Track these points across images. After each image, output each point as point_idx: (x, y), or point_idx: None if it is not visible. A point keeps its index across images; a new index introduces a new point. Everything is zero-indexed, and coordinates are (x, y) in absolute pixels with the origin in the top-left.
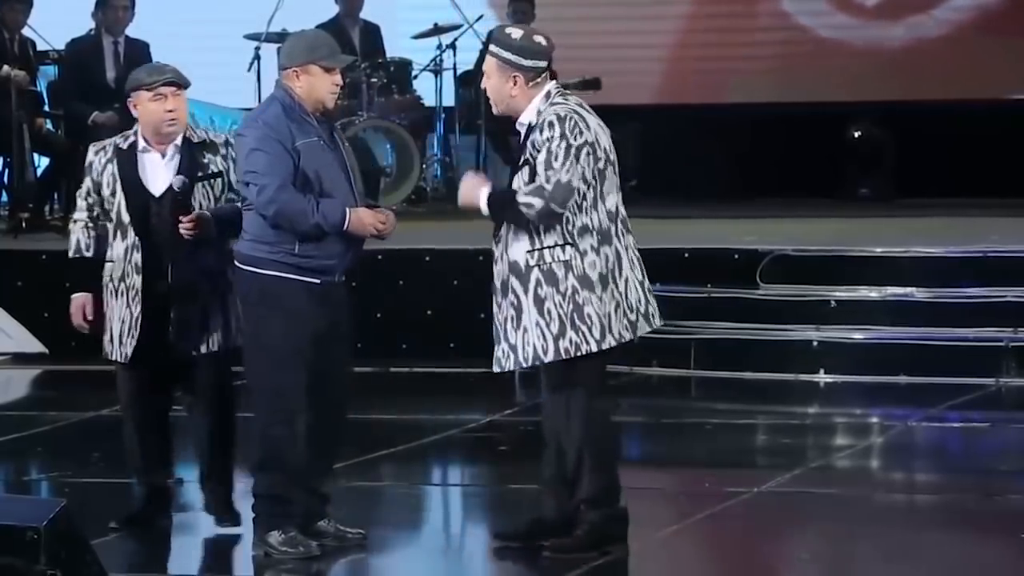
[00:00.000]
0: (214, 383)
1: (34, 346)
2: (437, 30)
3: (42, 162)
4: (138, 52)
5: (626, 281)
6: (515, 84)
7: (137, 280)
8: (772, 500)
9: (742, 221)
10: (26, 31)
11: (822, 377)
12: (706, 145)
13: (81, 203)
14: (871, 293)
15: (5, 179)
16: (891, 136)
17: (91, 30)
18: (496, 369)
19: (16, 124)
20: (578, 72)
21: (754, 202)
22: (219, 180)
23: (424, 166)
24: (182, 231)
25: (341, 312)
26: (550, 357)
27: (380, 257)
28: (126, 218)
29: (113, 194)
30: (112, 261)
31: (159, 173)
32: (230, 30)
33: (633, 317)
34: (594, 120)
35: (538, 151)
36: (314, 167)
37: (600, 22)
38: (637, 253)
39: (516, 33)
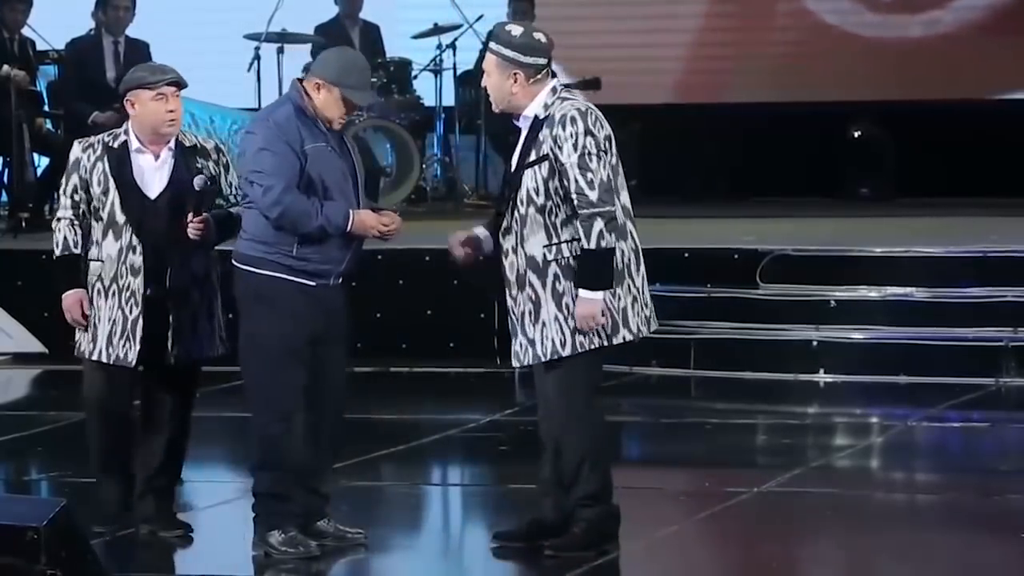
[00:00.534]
0: (187, 390)
1: (34, 346)
2: (437, 30)
3: (42, 162)
4: (138, 52)
5: (642, 277)
6: (515, 81)
7: (133, 282)
8: (772, 500)
9: (742, 221)
10: (26, 31)
11: (822, 377)
12: (706, 145)
13: (66, 200)
14: (871, 293)
15: (5, 179)
16: (891, 136)
17: (91, 30)
18: (515, 363)
19: (16, 124)
20: (578, 72)
21: (754, 202)
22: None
23: (424, 166)
24: (190, 232)
25: (337, 314)
26: (568, 351)
27: (380, 257)
28: (120, 218)
29: (105, 193)
30: (101, 261)
31: (153, 175)
32: (230, 30)
33: (648, 312)
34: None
35: (560, 147)
36: (320, 172)
37: (600, 21)
38: None
39: (516, 30)
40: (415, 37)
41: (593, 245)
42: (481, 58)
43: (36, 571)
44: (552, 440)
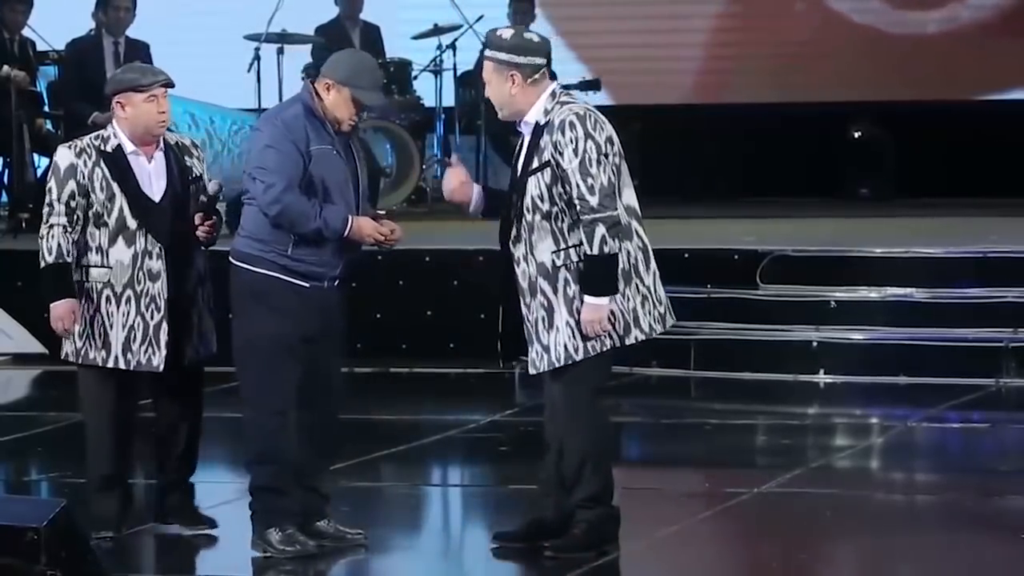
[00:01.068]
0: (198, 388)
1: (34, 346)
2: (437, 30)
3: (42, 162)
4: (138, 52)
5: (653, 274)
6: (514, 83)
7: (153, 287)
8: (772, 500)
9: (742, 221)
10: (26, 31)
11: (822, 377)
12: (706, 145)
13: (60, 207)
14: (871, 293)
15: (5, 179)
16: (891, 136)
17: (91, 30)
18: (532, 371)
19: (16, 124)
20: (579, 72)
21: (754, 202)
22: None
23: (424, 166)
24: (200, 234)
25: (333, 316)
26: (581, 355)
27: (380, 257)
28: (132, 224)
29: (111, 199)
30: (108, 267)
31: (153, 178)
32: (230, 30)
33: (662, 310)
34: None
35: (561, 153)
36: (322, 174)
37: (600, 22)
38: None
39: (507, 33)
40: (415, 38)
41: (596, 251)
42: (481, 60)
43: (36, 571)
44: (557, 441)
